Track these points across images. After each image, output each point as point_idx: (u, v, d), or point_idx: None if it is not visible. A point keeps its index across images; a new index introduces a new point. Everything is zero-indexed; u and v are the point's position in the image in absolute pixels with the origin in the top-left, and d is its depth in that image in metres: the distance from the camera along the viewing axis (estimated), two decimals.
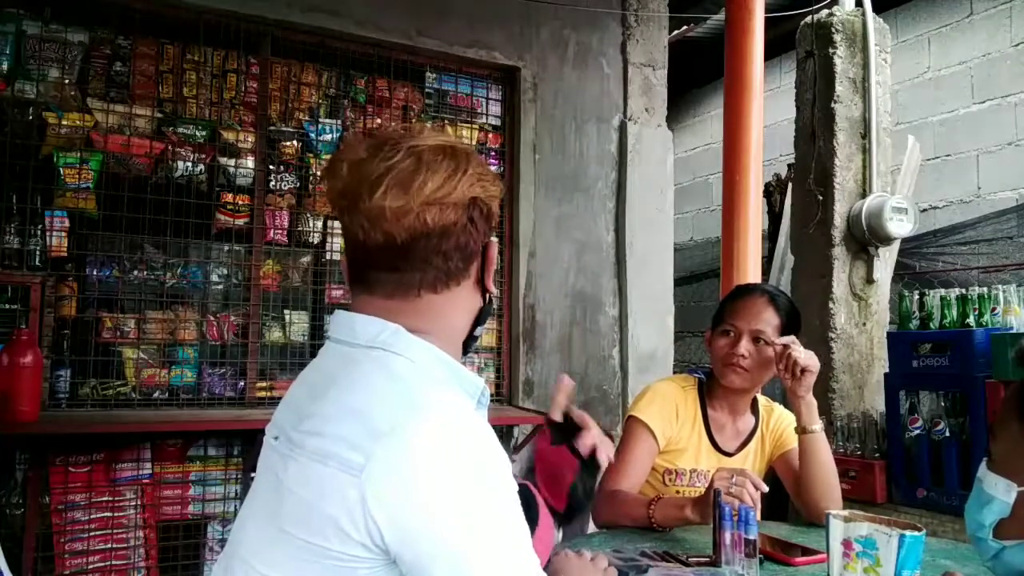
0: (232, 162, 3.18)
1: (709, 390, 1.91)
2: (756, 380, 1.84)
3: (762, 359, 1.79)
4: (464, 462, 0.82)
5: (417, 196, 0.92)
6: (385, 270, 0.95)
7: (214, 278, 3.21)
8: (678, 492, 1.83)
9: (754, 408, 1.94)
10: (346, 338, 0.95)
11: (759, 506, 1.48)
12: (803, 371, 1.72)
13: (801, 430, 1.77)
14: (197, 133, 3.12)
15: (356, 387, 0.88)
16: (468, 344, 1.02)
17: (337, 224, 3.40)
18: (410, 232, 0.92)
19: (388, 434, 0.80)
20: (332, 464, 0.81)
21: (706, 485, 1.81)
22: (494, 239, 1.01)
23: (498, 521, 0.83)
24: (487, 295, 1.01)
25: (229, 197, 3.17)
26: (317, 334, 3.35)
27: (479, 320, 1.01)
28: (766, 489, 1.49)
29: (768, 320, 1.79)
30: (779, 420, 1.93)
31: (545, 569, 0.99)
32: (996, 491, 0.89)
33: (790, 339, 1.76)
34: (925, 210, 4.67)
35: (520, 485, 0.90)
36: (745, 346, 1.78)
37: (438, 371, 0.92)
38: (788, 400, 1.81)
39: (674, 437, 1.85)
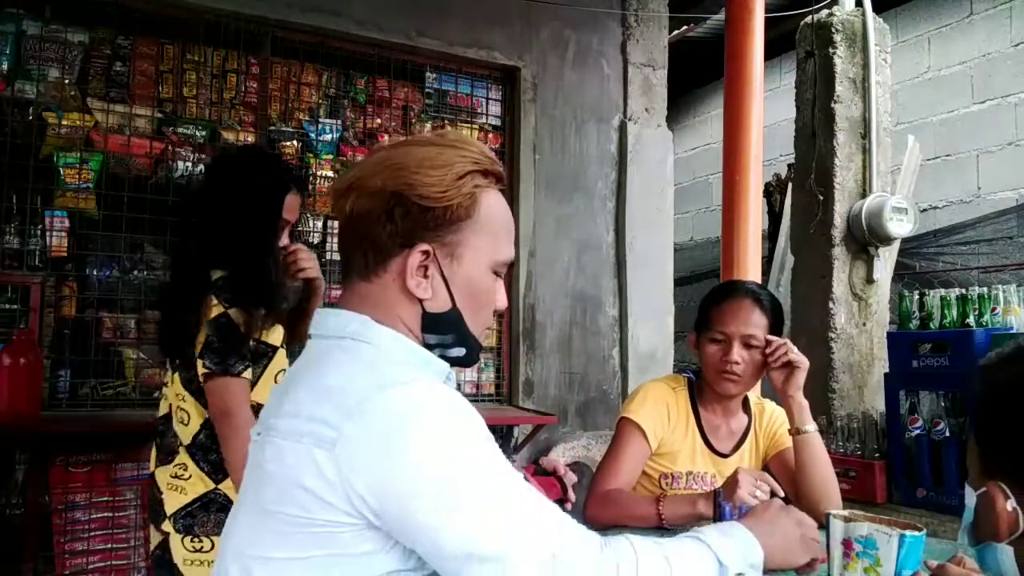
0: None
1: (700, 391, 1.89)
2: (750, 384, 1.83)
3: (755, 362, 1.79)
4: (433, 417, 0.85)
5: (344, 181, 0.97)
6: (340, 256, 1.02)
7: None
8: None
9: (745, 407, 1.93)
10: (320, 332, 0.98)
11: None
12: (793, 367, 1.74)
13: (795, 431, 1.76)
14: (197, 133, 3.12)
15: (326, 372, 0.91)
16: (431, 352, 0.98)
17: (337, 224, 3.41)
18: (339, 214, 0.98)
19: (357, 406, 0.84)
20: (307, 441, 0.84)
21: (703, 487, 1.81)
22: (425, 246, 0.93)
23: (475, 457, 0.86)
24: (423, 304, 0.96)
25: None
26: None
27: (427, 327, 0.97)
28: (782, 495, 1.49)
29: (757, 322, 1.78)
30: (772, 419, 1.92)
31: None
32: (968, 500, 0.92)
33: (784, 340, 1.77)
34: (925, 210, 4.68)
35: None
36: (738, 353, 1.76)
37: (404, 355, 0.94)
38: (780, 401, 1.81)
39: (666, 438, 1.83)
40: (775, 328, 1.81)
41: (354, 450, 0.82)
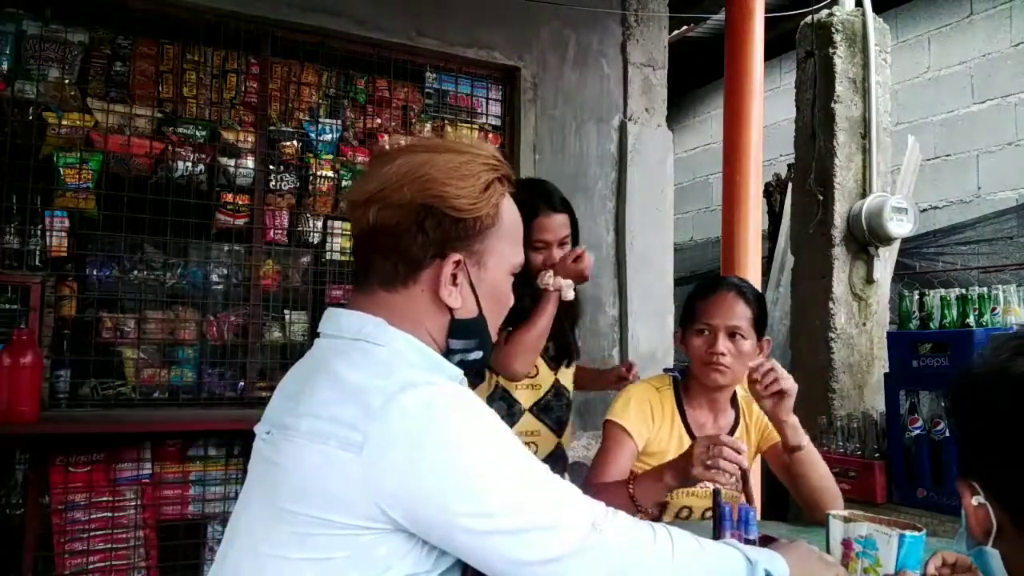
0: (232, 162, 3.17)
1: (687, 389, 1.89)
2: (738, 376, 1.81)
3: (741, 354, 1.78)
4: (458, 416, 0.86)
5: (364, 192, 0.96)
6: (358, 264, 1.01)
7: (214, 278, 3.21)
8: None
9: (733, 402, 1.92)
10: (333, 332, 0.99)
11: (747, 464, 1.46)
12: (783, 394, 1.67)
13: (790, 450, 1.72)
14: (197, 133, 3.12)
15: (346, 372, 0.91)
16: (450, 358, 1.00)
17: (337, 224, 3.41)
18: (359, 226, 0.97)
19: (380, 409, 0.84)
20: (332, 443, 0.85)
21: (694, 488, 1.79)
22: (457, 256, 0.96)
23: (501, 448, 0.87)
24: (452, 312, 0.98)
25: (229, 197, 3.16)
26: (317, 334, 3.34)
27: (454, 334, 0.99)
28: (744, 448, 1.45)
29: (741, 314, 1.78)
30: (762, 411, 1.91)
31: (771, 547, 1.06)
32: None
33: (773, 362, 1.72)
34: (925, 210, 4.68)
35: None
36: (723, 344, 1.76)
37: (418, 359, 0.95)
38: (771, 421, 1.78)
39: (652, 438, 1.83)
40: (759, 320, 1.81)
41: (380, 453, 0.83)
